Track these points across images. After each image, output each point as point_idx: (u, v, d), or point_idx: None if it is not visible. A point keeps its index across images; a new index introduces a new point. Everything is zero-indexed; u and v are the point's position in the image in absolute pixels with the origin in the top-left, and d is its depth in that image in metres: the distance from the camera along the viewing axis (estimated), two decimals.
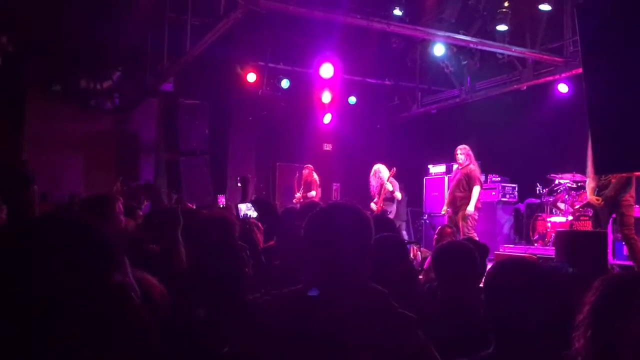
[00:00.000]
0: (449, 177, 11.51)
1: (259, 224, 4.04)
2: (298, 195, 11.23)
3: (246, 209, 4.48)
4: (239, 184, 4.66)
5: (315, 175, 11.21)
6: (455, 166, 9.13)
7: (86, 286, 1.03)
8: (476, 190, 8.23)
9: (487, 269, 1.97)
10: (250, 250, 3.57)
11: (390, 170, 9.30)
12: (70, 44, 10.30)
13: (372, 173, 9.45)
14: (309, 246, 1.83)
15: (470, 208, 8.12)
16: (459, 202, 8.34)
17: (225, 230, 2.47)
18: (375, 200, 9.29)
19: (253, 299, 2.12)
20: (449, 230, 6.15)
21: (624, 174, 6.57)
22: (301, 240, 1.88)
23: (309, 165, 11.46)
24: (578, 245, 5.52)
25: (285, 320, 1.69)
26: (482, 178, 8.98)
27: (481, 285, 3.28)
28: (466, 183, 8.34)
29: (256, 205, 3.83)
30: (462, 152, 8.53)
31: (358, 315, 1.67)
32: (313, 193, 11.00)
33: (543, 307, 1.80)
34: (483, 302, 1.95)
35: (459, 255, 2.85)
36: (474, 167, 8.54)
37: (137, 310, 1.09)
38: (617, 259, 7.85)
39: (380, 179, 9.24)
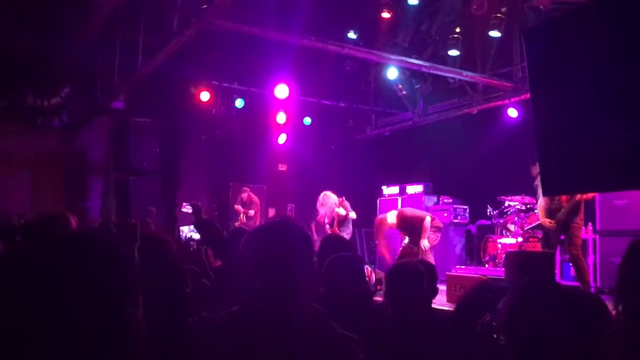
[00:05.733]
0: (402, 198, 11.61)
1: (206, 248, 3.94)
2: (241, 214, 11.29)
3: (188, 231, 4.37)
4: (185, 209, 4.50)
5: (255, 197, 11.60)
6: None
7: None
8: (427, 222, 8.06)
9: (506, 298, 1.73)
10: (198, 272, 3.48)
11: (339, 198, 9.13)
12: (17, 59, 9.98)
13: (319, 202, 9.16)
14: (248, 265, 1.77)
15: (425, 243, 7.96)
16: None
17: (161, 250, 2.39)
18: (328, 228, 9.09)
19: (193, 321, 2.04)
20: (413, 250, 6.16)
21: (575, 198, 6.75)
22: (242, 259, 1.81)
23: (247, 187, 11.75)
24: (526, 266, 5.60)
25: (223, 343, 1.62)
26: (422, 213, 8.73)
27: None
28: (414, 230, 8.16)
29: (199, 227, 3.70)
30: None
31: (298, 337, 1.61)
32: (252, 212, 11.27)
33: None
34: (503, 329, 1.70)
35: (409, 275, 2.93)
36: (409, 210, 8.44)
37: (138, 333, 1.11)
38: (564, 279, 8.02)
39: (330, 207, 9.01)
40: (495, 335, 1.86)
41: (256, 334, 1.62)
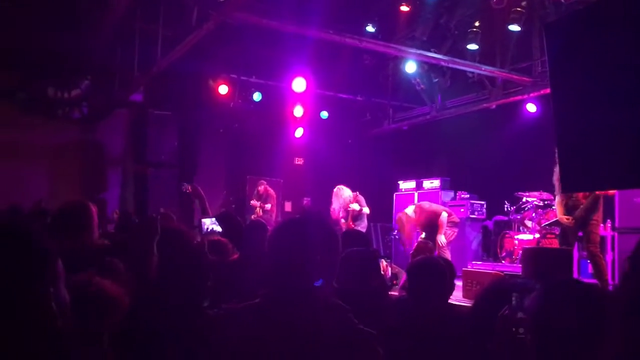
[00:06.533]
0: (419, 193, 11.58)
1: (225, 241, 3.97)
2: (257, 207, 11.28)
3: (210, 224, 4.41)
4: (187, 191, 4.59)
5: (272, 190, 11.53)
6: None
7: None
8: (443, 217, 8.12)
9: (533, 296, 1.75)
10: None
11: (353, 192, 9.13)
12: (37, 52, 10.10)
13: (333, 194, 9.16)
14: (272, 259, 1.79)
15: (442, 239, 8.02)
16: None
17: (181, 243, 2.41)
18: (343, 223, 9.08)
19: (213, 313, 2.06)
20: (428, 245, 6.17)
21: (593, 195, 6.68)
22: (265, 254, 1.84)
23: (263, 180, 11.71)
24: (544, 262, 5.56)
25: (243, 335, 1.64)
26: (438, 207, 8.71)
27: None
28: (430, 225, 8.21)
29: (220, 220, 3.77)
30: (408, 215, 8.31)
31: (318, 331, 1.63)
32: (268, 206, 11.26)
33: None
34: (532, 327, 1.72)
35: (432, 272, 2.94)
36: (427, 205, 8.50)
37: (52, 319, 1.08)
38: (582, 276, 7.95)
39: (344, 201, 9.00)
40: (514, 329, 1.86)
41: (276, 327, 1.63)
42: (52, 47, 9.88)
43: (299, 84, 10.75)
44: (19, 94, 10.97)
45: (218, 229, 4.14)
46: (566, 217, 6.92)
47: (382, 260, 5.74)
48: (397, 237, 11.15)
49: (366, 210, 9.11)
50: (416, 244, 7.66)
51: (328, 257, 1.77)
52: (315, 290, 1.71)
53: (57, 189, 10.81)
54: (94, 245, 3.29)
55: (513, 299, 2.00)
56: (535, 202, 9.40)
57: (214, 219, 4.41)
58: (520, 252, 8.66)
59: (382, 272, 3.56)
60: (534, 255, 6.10)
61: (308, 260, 1.71)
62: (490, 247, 10.73)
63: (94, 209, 3.38)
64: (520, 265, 7.84)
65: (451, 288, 3.40)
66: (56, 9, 9.24)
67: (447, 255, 7.75)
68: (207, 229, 4.44)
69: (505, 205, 10.12)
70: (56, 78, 11.02)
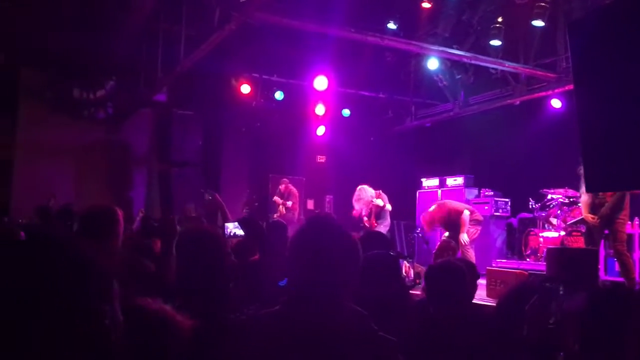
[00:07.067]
0: (442, 190, 11.51)
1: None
2: (280, 205, 11.38)
3: (233, 227, 4.46)
4: (209, 197, 4.65)
5: (293, 188, 11.68)
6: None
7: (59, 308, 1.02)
8: (465, 216, 8.05)
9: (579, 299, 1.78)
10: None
11: (375, 191, 9.03)
12: (63, 53, 10.27)
13: (355, 197, 9.01)
14: (292, 266, 1.80)
15: (465, 238, 7.94)
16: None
17: (211, 246, 2.43)
18: (365, 220, 8.97)
19: (234, 317, 2.09)
20: (451, 245, 6.11)
21: (619, 192, 6.58)
22: (285, 255, 1.85)
23: (285, 179, 11.86)
24: (569, 262, 5.49)
25: (264, 342, 1.65)
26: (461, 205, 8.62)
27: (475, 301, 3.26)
28: (452, 223, 8.17)
29: (243, 224, 3.81)
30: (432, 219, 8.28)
31: (337, 339, 1.64)
32: (289, 203, 11.41)
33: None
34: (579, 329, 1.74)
35: (450, 277, 2.91)
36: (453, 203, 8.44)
37: (104, 335, 1.09)
38: (608, 274, 7.85)
39: (366, 201, 8.87)
40: (546, 319, 1.86)
41: (297, 334, 1.65)
42: (78, 48, 10.04)
43: (320, 82, 10.76)
44: (45, 94, 11.17)
45: (240, 232, 4.19)
46: (591, 216, 6.84)
47: (404, 261, 5.71)
48: (420, 235, 11.09)
49: (389, 207, 9.04)
50: (439, 243, 7.62)
51: (347, 263, 1.77)
52: (335, 298, 1.72)
53: (83, 188, 10.99)
54: (118, 249, 3.33)
55: (560, 289, 1.99)
56: (560, 200, 9.27)
57: (236, 223, 4.46)
58: (545, 250, 8.55)
59: (403, 275, 3.54)
60: (559, 255, 6.03)
61: (328, 268, 1.72)
62: (515, 244, 10.62)
63: (120, 213, 3.40)
64: (544, 263, 7.76)
65: (472, 291, 3.37)
66: (81, 10, 9.37)
67: (471, 253, 7.69)
68: (230, 233, 4.49)
69: (530, 203, 9.99)
70: (81, 79, 11.20)
